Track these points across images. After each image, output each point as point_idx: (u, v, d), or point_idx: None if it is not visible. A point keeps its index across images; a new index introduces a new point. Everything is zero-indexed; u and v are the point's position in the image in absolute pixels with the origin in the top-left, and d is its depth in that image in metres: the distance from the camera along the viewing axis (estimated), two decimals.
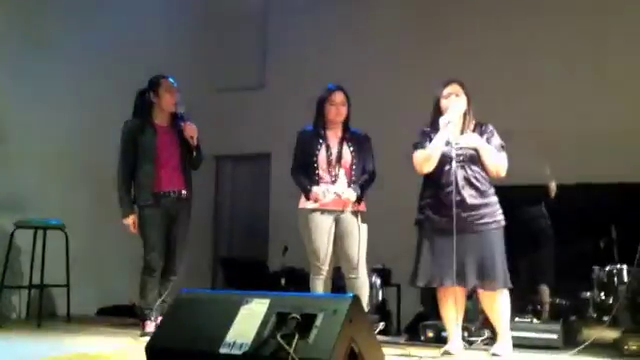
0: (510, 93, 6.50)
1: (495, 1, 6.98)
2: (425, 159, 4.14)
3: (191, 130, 4.75)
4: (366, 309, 4.36)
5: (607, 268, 5.25)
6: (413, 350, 4.28)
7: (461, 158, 4.09)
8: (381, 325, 5.22)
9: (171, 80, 4.85)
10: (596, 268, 5.29)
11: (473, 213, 4.05)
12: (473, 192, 4.07)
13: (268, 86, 8.01)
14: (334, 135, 4.47)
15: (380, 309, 6.10)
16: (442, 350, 4.18)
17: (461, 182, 4.05)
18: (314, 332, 2.55)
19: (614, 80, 6.34)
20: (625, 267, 5.14)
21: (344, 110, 4.47)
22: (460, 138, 4.13)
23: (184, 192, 4.78)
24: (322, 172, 4.38)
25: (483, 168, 4.13)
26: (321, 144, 4.41)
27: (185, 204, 4.82)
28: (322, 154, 4.39)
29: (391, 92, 7.16)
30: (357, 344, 2.61)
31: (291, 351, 2.48)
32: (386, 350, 4.21)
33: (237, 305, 2.75)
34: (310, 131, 4.48)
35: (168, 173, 4.74)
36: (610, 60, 6.42)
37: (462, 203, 4.03)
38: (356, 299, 2.67)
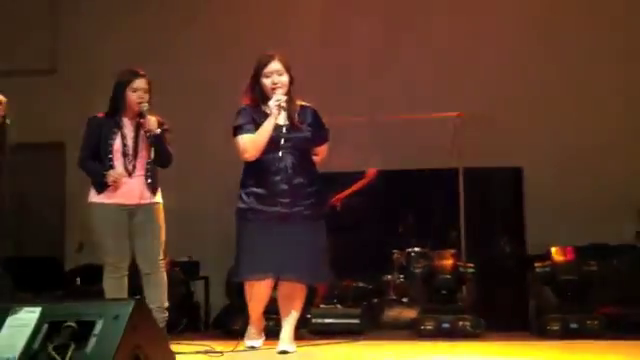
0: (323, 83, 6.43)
1: None
2: (253, 145, 3.78)
3: None
4: (167, 304, 4.17)
5: (406, 251, 5.48)
6: (217, 345, 4.12)
7: (290, 144, 3.78)
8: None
9: None
10: (396, 251, 5.48)
11: (301, 203, 3.76)
12: (302, 180, 3.77)
13: (60, 71, 7.43)
14: (131, 123, 4.16)
15: (186, 303, 5.93)
16: (246, 344, 4.06)
17: (290, 170, 3.75)
18: (92, 341, 2.33)
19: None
20: (420, 249, 5.39)
21: (147, 97, 4.13)
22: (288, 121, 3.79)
23: None
24: (117, 162, 4.07)
25: (311, 154, 3.88)
26: (116, 132, 4.09)
27: None
28: (117, 143, 4.08)
29: (193, 79, 6.91)
30: (143, 351, 2.41)
31: None
32: (187, 347, 4.06)
33: (2, 316, 2.44)
34: (103, 117, 4.14)
35: None
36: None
37: (290, 192, 3.74)
38: (140, 302, 2.47)
